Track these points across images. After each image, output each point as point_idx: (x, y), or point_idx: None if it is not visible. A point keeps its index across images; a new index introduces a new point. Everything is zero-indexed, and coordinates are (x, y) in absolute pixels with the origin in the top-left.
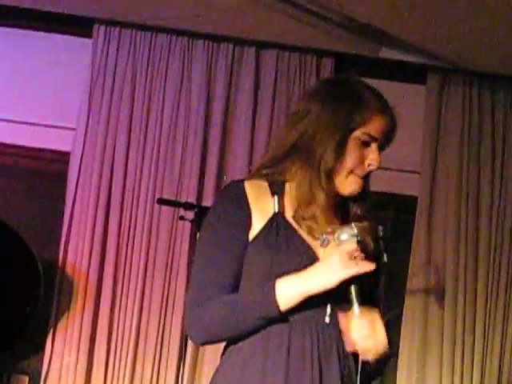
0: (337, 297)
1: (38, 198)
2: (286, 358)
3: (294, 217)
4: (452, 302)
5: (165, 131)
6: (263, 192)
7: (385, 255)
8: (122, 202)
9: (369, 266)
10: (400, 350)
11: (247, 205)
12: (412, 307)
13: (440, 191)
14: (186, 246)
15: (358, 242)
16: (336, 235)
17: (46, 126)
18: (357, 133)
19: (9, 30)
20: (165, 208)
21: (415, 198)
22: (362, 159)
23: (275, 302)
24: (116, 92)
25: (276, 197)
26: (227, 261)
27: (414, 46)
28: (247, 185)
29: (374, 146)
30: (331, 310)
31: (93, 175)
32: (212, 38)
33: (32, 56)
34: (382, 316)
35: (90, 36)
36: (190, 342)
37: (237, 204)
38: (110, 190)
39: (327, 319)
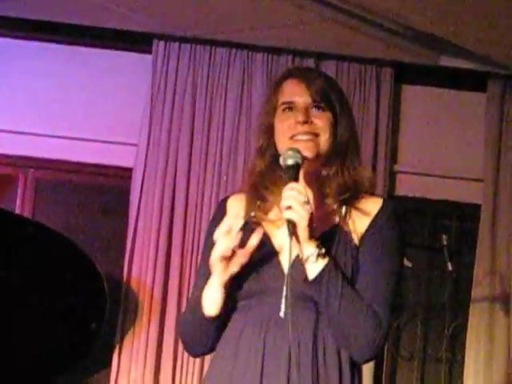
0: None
1: (102, 215)
2: (234, 357)
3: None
4: None
5: (226, 145)
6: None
7: (449, 264)
8: (185, 216)
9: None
10: (465, 360)
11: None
12: (477, 316)
13: (503, 198)
14: None
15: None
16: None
17: (108, 142)
18: (277, 110)
19: (69, 47)
20: None
21: (479, 206)
22: (290, 123)
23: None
24: (177, 106)
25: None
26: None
27: (473, 54)
28: (230, 199)
29: (295, 107)
30: (285, 303)
31: (155, 190)
32: (271, 50)
33: (93, 73)
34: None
35: (149, 52)
36: None
37: (218, 220)
38: (172, 204)
39: (282, 314)
